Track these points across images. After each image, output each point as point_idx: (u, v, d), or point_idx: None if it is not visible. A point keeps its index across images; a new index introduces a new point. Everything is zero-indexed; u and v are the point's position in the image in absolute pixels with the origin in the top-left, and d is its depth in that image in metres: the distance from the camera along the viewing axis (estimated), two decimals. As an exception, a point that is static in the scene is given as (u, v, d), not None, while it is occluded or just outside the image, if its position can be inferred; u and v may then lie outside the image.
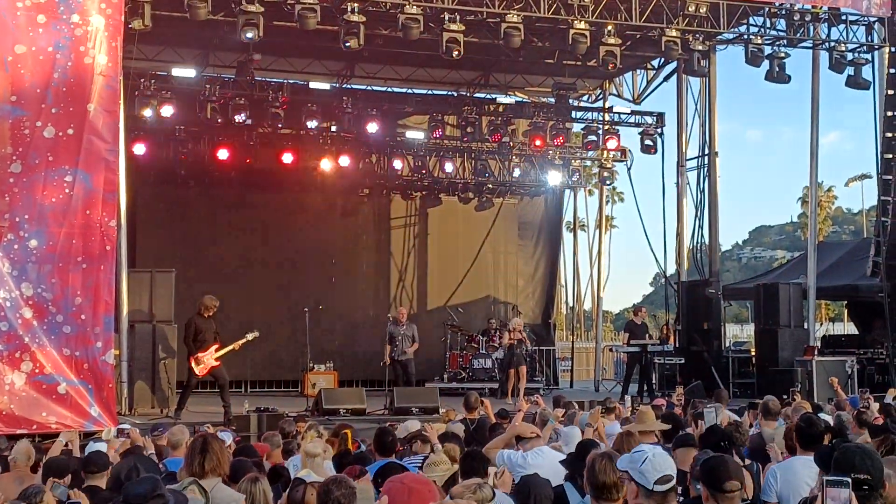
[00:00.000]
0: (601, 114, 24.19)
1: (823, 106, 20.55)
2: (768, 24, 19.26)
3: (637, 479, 4.41)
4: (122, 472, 6.91)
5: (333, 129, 22.35)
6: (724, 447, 7.13)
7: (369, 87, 23.96)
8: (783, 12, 19.13)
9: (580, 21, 17.39)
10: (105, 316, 13.81)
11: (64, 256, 13.56)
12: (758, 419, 9.99)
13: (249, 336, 16.31)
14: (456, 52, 16.94)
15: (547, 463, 7.27)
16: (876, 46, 19.75)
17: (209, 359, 15.72)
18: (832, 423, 8.96)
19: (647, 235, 25.16)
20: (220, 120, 20.45)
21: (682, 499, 5.74)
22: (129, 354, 15.76)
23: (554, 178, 25.75)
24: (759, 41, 18.80)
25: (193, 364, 15.66)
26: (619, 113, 24.10)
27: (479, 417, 11.77)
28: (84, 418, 13.13)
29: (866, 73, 19.69)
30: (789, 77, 19.14)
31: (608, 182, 27.11)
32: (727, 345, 22.57)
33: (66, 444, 10.05)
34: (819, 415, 8.96)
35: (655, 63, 23.93)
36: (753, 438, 8.85)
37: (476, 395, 12.55)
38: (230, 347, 16.03)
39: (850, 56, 19.41)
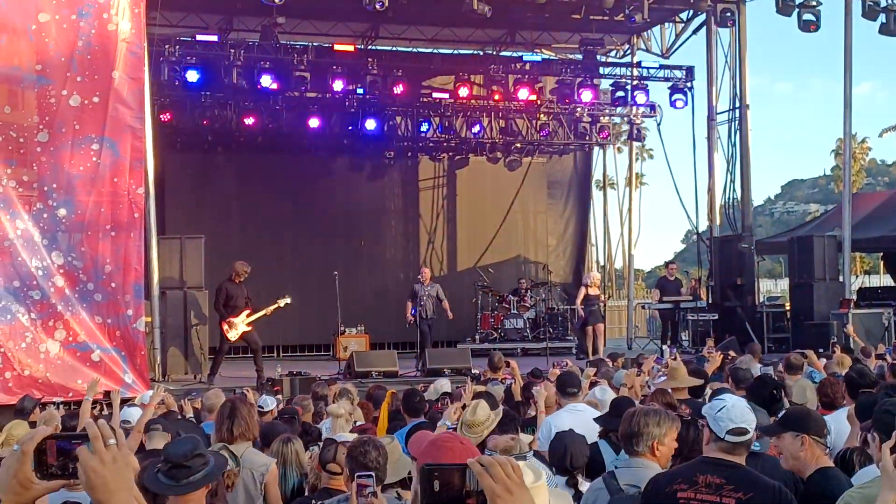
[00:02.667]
0: (629, 69, 23.85)
1: (855, 55, 20.16)
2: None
3: (711, 426, 4.43)
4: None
5: (359, 91, 22.22)
6: (778, 397, 7.02)
7: (394, 49, 23.77)
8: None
9: (606, -26, 17.11)
10: (135, 283, 13.87)
11: (93, 225, 13.61)
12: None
13: (282, 302, 16.36)
14: (488, 8, 16.80)
15: (581, 419, 7.21)
16: (910, -8, 19.31)
17: (241, 324, 15.77)
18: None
19: (678, 191, 25.02)
20: (245, 85, 20.36)
21: None
22: (161, 321, 15.81)
23: (582, 135, 25.50)
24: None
25: (225, 329, 15.71)
26: (647, 68, 23.77)
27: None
28: (118, 385, 13.19)
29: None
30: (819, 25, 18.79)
31: (638, 138, 26.82)
32: (761, 300, 22.33)
33: (102, 409, 10.10)
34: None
35: (684, 16, 23.56)
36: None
37: (500, 355, 12.48)
38: (262, 312, 16.07)
39: (883, 2, 18.99)
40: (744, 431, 4.37)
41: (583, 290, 20.23)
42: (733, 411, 4.40)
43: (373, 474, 4.35)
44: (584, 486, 5.65)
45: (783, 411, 5.83)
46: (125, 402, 11.42)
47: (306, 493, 5.83)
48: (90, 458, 2.20)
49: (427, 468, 2.31)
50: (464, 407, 6.99)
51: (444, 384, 10.40)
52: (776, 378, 8.98)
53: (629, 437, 5.02)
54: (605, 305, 20.29)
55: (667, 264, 23.95)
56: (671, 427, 5.03)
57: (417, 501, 3.99)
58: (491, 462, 2.26)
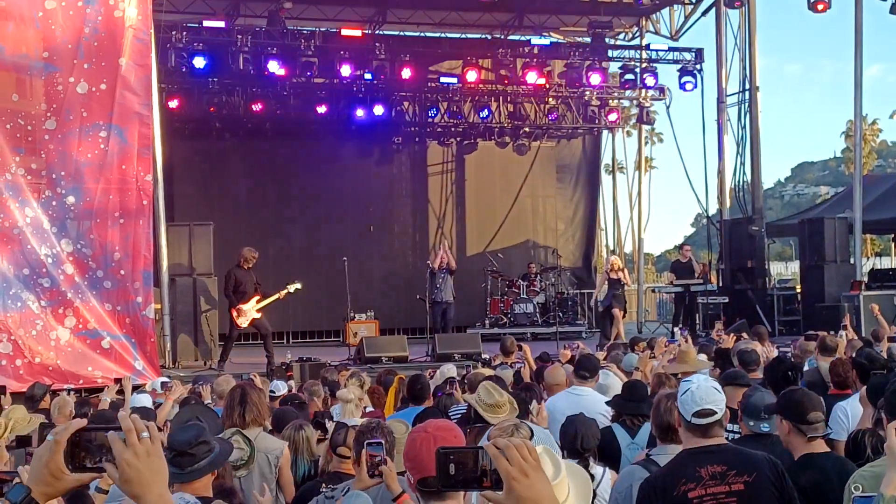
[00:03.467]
0: (638, 52, 23.75)
1: (866, 36, 20.01)
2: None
3: (679, 410, 4.43)
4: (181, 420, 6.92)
5: (367, 76, 22.15)
6: (792, 378, 6.97)
7: (402, 33, 23.68)
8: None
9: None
10: (144, 271, 13.88)
11: (101, 212, 13.62)
12: (814, 354, 9.82)
13: (291, 288, 16.36)
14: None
15: (578, 403, 7.19)
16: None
17: (251, 310, 15.77)
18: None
19: (687, 175, 24.90)
20: (252, 71, 20.30)
21: (735, 436, 5.64)
22: (170, 308, 15.83)
23: (591, 119, 25.40)
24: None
25: (235, 316, 15.71)
26: (656, 50, 23.66)
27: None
28: (129, 371, 13.22)
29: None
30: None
31: (647, 121, 26.71)
32: (772, 283, 22.24)
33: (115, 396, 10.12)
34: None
35: (692, -3, 23.43)
36: (811, 373, 8.69)
37: (512, 339, 12.46)
38: (272, 298, 16.07)
39: (894, -18, 18.85)
40: (709, 413, 4.33)
41: (603, 275, 19.99)
42: (698, 393, 4.36)
43: (382, 443, 4.36)
44: (595, 468, 5.63)
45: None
46: (135, 388, 11.47)
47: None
48: (124, 451, 2.19)
49: (442, 451, 2.29)
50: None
51: (449, 369, 10.38)
52: (793, 360, 8.95)
53: (659, 426, 4.99)
54: (626, 287, 19.82)
55: (680, 246, 23.88)
56: None
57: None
58: (507, 444, 2.24)
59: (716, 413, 4.35)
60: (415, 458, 3.11)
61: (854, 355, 7.81)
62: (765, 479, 4.22)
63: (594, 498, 5.34)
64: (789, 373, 7.14)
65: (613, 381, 8.38)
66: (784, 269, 35.46)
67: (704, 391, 4.37)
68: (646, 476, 4.87)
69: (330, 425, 6.44)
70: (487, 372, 9.77)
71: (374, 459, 4.24)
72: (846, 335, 11.99)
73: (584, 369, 8.00)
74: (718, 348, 10.34)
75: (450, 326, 18.99)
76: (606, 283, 19.60)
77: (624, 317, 19.70)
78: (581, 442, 5.70)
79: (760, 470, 4.25)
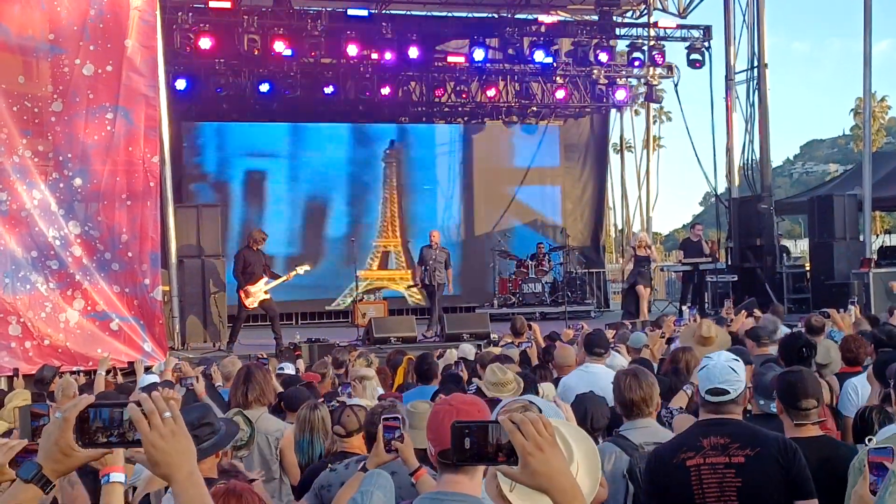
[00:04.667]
0: (646, 30, 23.61)
1: (875, 12, 19.87)
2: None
3: (698, 386, 4.45)
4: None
5: (374, 56, 22.07)
6: (805, 355, 6.94)
7: (408, 13, 23.58)
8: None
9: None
10: (151, 252, 13.89)
11: (108, 194, 13.62)
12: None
13: (300, 269, 16.37)
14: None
15: (590, 380, 7.18)
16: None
17: (259, 292, 15.78)
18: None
19: (696, 153, 24.87)
20: (256, 52, 20.20)
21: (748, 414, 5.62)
22: (179, 290, 15.85)
23: (599, 98, 25.29)
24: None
25: (243, 297, 15.73)
26: (664, 28, 23.52)
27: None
28: (138, 353, 13.27)
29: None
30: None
31: (655, 100, 26.59)
32: (790, 259, 22.17)
33: (116, 375, 10.15)
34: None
35: (701, -26, 23.28)
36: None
37: (523, 319, 12.44)
38: (280, 280, 16.10)
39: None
40: (722, 392, 4.32)
41: (629, 252, 19.75)
42: (713, 371, 4.37)
43: (399, 418, 4.37)
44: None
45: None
46: (146, 370, 11.51)
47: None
48: (149, 433, 2.18)
49: (458, 425, 2.30)
50: None
51: (469, 350, 10.40)
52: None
53: (640, 401, 5.05)
54: (654, 264, 19.56)
55: (692, 225, 23.80)
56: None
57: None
58: (522, 419, 2.25)
59: (728, 393, 4.33)
60: (436, 429, 3.13)
61: (875, 331, 7.78)
62: (768, 456, 4.16)
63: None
64: (804, 349, 7.10)
65: (620, 360, 8.36)
66: (793, 247, 35.35)
67: (720, 370, 4.37)
68: (615, 451, 4.95)
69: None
70: (496, 351, 9.79)
71: (393, 433, 4.25)
72: (854, 312, 11.94)
73: (597, 346, 7.97)
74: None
75: (437, 308, 18.57)
76: (632, 260, 19.46)
77: (650, 294, 19.47)
78: (591, 421, 5.70)
79: (766, 446, 4.20)
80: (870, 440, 3.79)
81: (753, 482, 4.14)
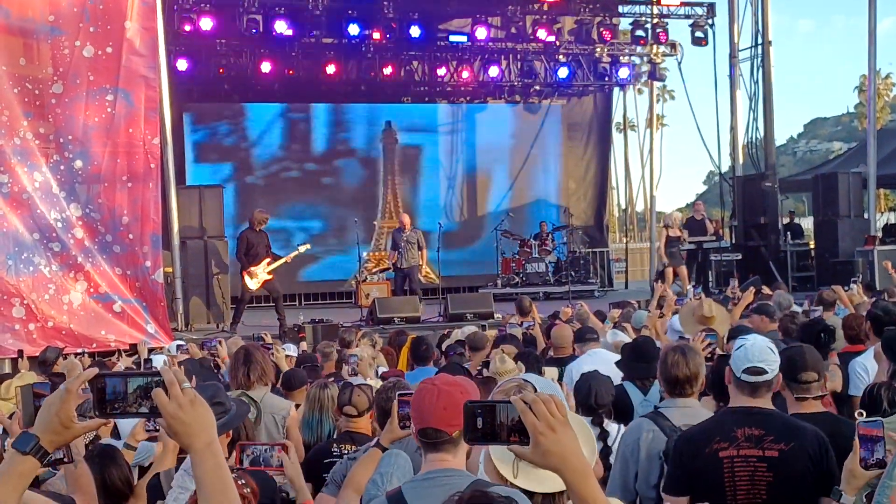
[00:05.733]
0: (649, 7, 23.45)
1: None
2: None
3: (731, 365, 4.33)
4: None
5: (375, 36, 21.96)
6: (822, 340, 6.89)
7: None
8: None
9: None
10: (152, 234, 13.89)
11: (109, 176, 13.63)
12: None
13: (302, 249, 16.36)
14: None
15: (599, 361, 7.15)
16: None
17: (262, 273, 15.74)
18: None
19: (700, 132, 24.79)
20: (254, 31, 20.04)
21: None
22: (182, 271, 15.84)
23: (602, 76, 25.18)
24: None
25: (247, 278, 15.70)
26: (667, 6, 23.36)
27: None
28: (142, 335, 13.30)
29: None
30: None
31: (659, 78, 26.47)
32: (787, 239, 22.11)
33: (120, 356, 10.14)
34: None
35: (704, -49, 23.11)
36: None
37: (528, 299, 12.43)
38: (283, 260, 16.05)
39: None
40: (760, 371, 4.22)
41: (664, 232, 19.33)
42: (752, 350, 4.26)
43: (413, 394, 4.36)
44: (611, 425, 5.61)
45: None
46: (149, 351, 11.51)
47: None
48: (168, 404, 2.19)
49: (470, 405, 2.31)
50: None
51: (468, 331, 10.37)
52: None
53: (685, 379, 4.88)
54: (685, 246, 19.21)
55: (693, 204, 23.72)
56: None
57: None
58: (534, 399, 2.25)
59: (766, 373, 4.23)
60: (417, 408, 3.19)
61: (870, 307, 7.73)
62: (802, 451, 4.10)
63: (609, 454, 5.32)
64: (822, 335, 7.06)
65: (622, 338, 8.34)
66: (797, 225, 35.28)
67: (759, 350, 4.27)
68: (653, 429, 4.82)
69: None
70: (492, 333, 9.77)
71: (404, 410, 4.25)
72: (856, 290, 11.89)
73: (587, 332, 7.99)
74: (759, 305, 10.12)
75: (417, 289, 18.58)
76: (666, 239, 19.14)
77: (690, 273, 19.15)
78: (595, 398, 5.68)
79: (800, 440, 4.12)
80: (860, 414, 3.77)
81: (785, 477, 4.09)
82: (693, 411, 4.78)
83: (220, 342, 10.07)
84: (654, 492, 4.68)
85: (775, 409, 4.36)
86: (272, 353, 8.20)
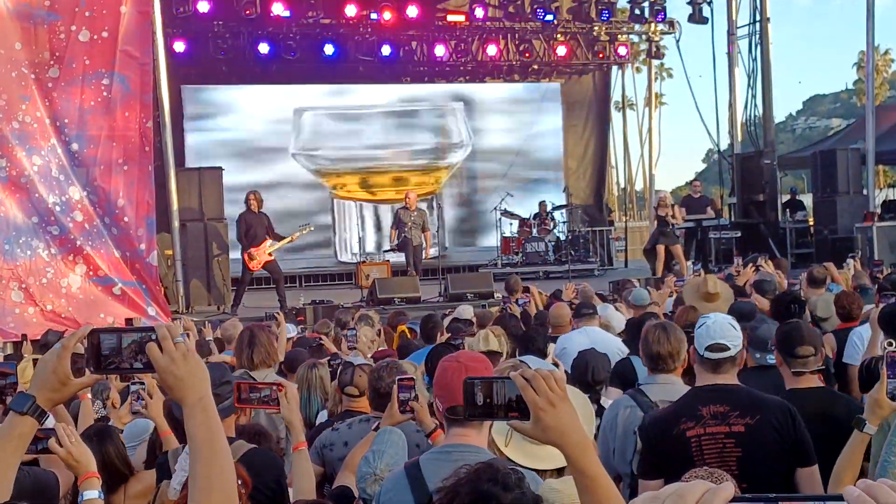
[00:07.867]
0: (647, -16, 23.40)
1: (878, -36, 19.66)
2: None
3: (695, 344, 4.37)
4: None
5: (373, 16, 21.90)
6: (794, 311, 6.94)
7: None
8: None
9: None
10: (147, 218, 13.93)
11: (105, 159, 13.67)
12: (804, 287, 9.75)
13: (304, 230, 16.35)
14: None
15: (593, 338, 7.20)
16: None
17: (262, 254, 15.75)
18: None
19: (698, 109, 24.80)
20: (247, 12, 19.99)
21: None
22: (181, 253, 15.86)
23: (600, 55, 25.11)
24: None
25: (247, 259, 15.72)
26: (665, -17, 23.33)
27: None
28: (143, 316, 13.32)
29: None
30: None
31: (657, 56, 26.41)
32: (786, 216, 22.14)
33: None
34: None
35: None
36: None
37: (517, 278, 12.44)
38: (284, 241, 16.06)
39: None
40: (723, 348, 4.25)
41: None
42: (713, 328, 4.30)
43: (413, 378, 4.40)
44: (607, 401, 5.64)
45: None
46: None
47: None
48: (160, 358, 2.22)
49: (469, 380, 2.32)
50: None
51: (466, 310, 10.40)
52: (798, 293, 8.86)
53: (667, 355, 4.89)
54: (674, 225, 19.02)
55: (691, 182, 23.71)
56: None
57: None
58: (534, 375, 2.26)
59: (729, 349, 4.27)
60: (445, 385, 3.20)
61: (882, 279, 7.77)
62: (767, 424, 4.11)
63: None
64: (792, 305, 7.11)
65: (612, 314, 8.38)
66: (797, 202, 35.28)
67: (720, 327, 4.31)
68: (631, 405, 4.86)
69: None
70: (495, 310, 9.80)
71: (406, 394, 4.27)
72: (853, 265, 11.91)
73: (585, 307, 8.03)
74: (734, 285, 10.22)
75: (419, 268, 18.42)
76: (657, 220, 19.17)
77: (686, 253, 19.08)
78: (592, 374, 5.72)
79: (765, 413, 4.14)
80: (890, 343, 3.72)
81: (753, 451, 4.11)
82: (672, 388, 4.78)
83: (221, 328, 10.09)
84: (630, 468, 4.69)
85: (740, 385, 4.37)
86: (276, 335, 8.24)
